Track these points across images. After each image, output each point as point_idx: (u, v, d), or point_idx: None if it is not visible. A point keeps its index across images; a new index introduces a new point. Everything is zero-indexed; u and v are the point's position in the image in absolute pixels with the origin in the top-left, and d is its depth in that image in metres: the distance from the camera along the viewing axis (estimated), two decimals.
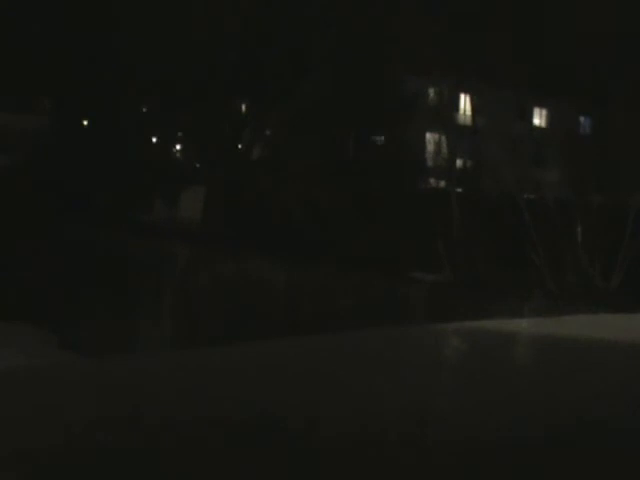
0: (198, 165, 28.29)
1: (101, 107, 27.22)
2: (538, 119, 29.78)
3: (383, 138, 26.65)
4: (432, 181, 26.22)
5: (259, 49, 25.40)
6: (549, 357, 3.22)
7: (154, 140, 28.75)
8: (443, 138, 24.48)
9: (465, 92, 27.39)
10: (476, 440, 2.13)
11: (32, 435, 2.02)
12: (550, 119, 28.73)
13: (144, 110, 28.53)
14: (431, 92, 25.99)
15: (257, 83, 25.53)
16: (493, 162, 22.35)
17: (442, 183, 24.74)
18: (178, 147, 29.85)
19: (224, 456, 1.94)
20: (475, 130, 25.23)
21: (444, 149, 24.30)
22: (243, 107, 27.93)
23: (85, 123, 29.06)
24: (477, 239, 16.29)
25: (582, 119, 25.10)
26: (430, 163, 26.24)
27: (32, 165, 26.72)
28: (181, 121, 27.81)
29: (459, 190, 20.80)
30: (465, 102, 27.93)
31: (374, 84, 24.86)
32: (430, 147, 26.34)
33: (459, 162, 24.76)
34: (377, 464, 1.94)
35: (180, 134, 29.40)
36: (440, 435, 2.17)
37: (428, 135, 26.83)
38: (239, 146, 27.40)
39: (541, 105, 29.04)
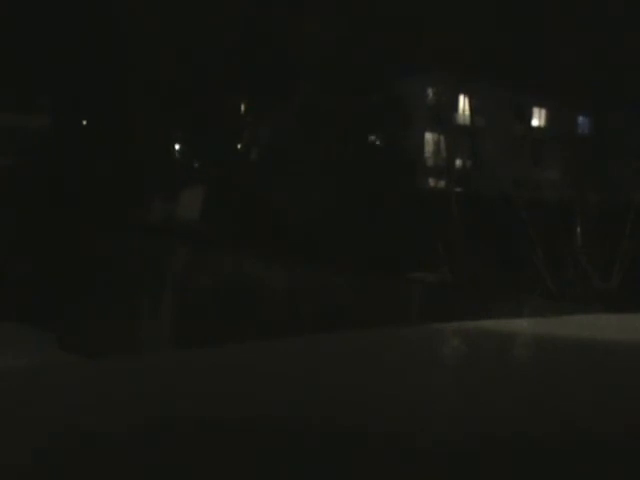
0: (197, 165, 28.32)
1: (101, 107, 27.22)
2: (537, 119, 29.79)
3: (383, 138, 26.66)
4: (431, 181, 26.25)
5: (259, 49, 25.42)
6: (549, 357, 3.22)
7: (153, 140, 28.74)
8: (442, 138, 24.48)
9: (464, 92, 27.40)
10: (476, 440, 2.13)
11: (32, 435, 2.02)
12: (550, 119, 28.73)
13: (144, 110, 28.52)
14: (430, 92, 26.01)
15: (257, 83, 25.54)
16: (492, 162, 22.36)
17: (441, 183, 24.76)
18: (177, 147, 29.86)
19: (224, 456, 1.94)
20: (474, 130, 25.24)
21: (443, 149, 24.31)
22: (242, 107, 27.95)
23: (84, 123, 29.07)
24: (477, 239, 16.28)
25: (582, 119, 25.12)
26: (429, 163, 26.27)
27: (31, 165, 26.72)
28: (181, 121, 27.82)
29: (458, 190, 20.80)
30: (464, 102, 27.93)
31: (373, 84, 24.87)
32: (429, 147, 26.38)
33: (458, 162, 24.78)
34: (376, 464, 1.94)
35: (180, 134, 29.41)
36: (440, 435, 2.17)
37: (427, 135, 26.86)
38: (239, 146, 27.43)
39: (541, 105, 29.05)
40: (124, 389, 2.42)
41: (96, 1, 27.26)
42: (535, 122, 29.55)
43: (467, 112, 27.38)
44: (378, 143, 26.75)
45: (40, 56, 27.51)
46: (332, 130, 24.10)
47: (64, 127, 28.12)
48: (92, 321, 22.03)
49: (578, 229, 15.75)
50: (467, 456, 2.02)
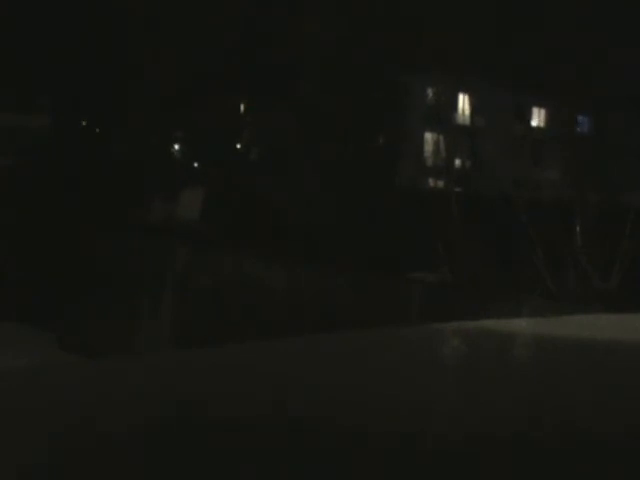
0: (197, 165, 28.33)
1: (101, 107, 27.23)
2: (537, 119, 29.78)
3: (383, 138, 26.65)
4: (431, 181, 26.24)
5: (259, 49, 25.42)
6: (549, 357, 3.21)
7: (153, 140, 28.74)
8: (442, 138, 24.48)
9: (464, 92, 27.41)
10: (476, 440, 2.13)
11: (32, 435, 2.02)
12: (550, 119, 28.72)
13: (144, 110, 28.54)
14: (430, 92, 26.01)
15: (257, 83, 25.55)
16: (492, 162, 22.37)
17: (441, 183, 24.76)
18: (177, 147, 29.86)
19: (224, 456, 1.94)
20: (474, 130, 25.25)
21: (443, 149, 24.31)
22: (242, 107, 27.96)
23: (84, 123, 29.07)
24: (477, 239, 16.28)
25: (582, 119, 25.10)
26: (429, 163, 26.27)
27: (31, 165, 26.72)
28: (181, 121, 27.82)
29: (458, 190, 20.81)
30: (464, 102, 27.93)
31: (373, 84, 24.87)
32: (429, 147, 26.37)
33: (458, 162, 24.77)
34: (376, 464, 1.94)
35: (180, 134, 29.41)
36: (440, 435, 2.17)
37: (427, 135, 26.85)
38: (239, 146, 27.44)
39: (541, 105, 29.04)
40: (124, 389, 2.42)
41: (96, 1, 27.27)
42: (535, 122, 29.53)
43: (467, 112, 27.39)
44: (378, 143, 26.75)
45: (40, 56, 27.51)
46: (332, 130, 24.10)
47: (64, 127, 28.12)
48: (92, 321, 22.03)
49: (578, 229, 15.75)
50: (467, 456, 2.02)
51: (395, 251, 17.80)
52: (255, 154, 27.42)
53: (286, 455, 1.96)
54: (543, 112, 29.41)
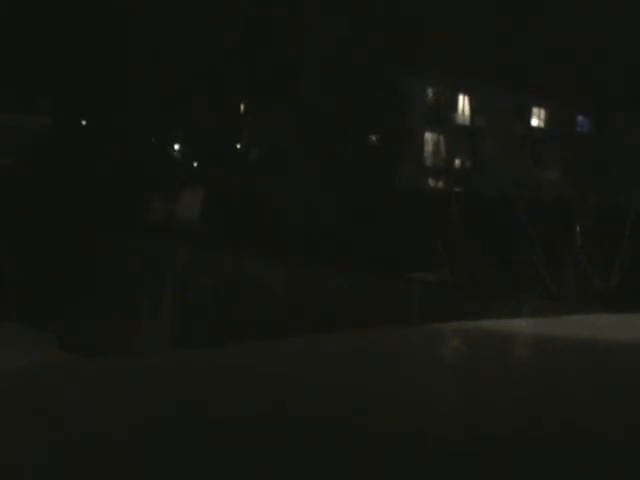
0: (197, 165, 28.33)
1: (101, 107, 27.23)
2: (537, 119, 29.78)
3: (383, 138, 26.65)
4: (431, 181, 26.26)
5: (259, 49, 25.43)
6: (549, 357, 3.21)
7: (153, 140, 28.75)
8: (442, 138, 24.49)
9: (464, 92, 27.42)
10: (476, 440, 2.13)
11: (32, 435, 2.02)
12: (550, 119, 28.72)
13: (144, 110, 28.54)
14: (430, 92, 26.03)
15: (257, 83, 25.55)
16: (492, 162, 22.38)
17: (441, 183, 24.78)
18: (177, 147, 29.85)
19: (224, 456, 1.94)
20: (474, 130, 25.26)
21: (443, 149, 24.32)
22: (242, 107, 27.96)
23: (84, 123, 29.07)
24: (477, 239, 16.27)
25: (582, 119, 25.11)
26: (429, 163, 26.29)
27: (31, 165, 26.72)
28: (181, 121, 27.82)
29: (458, 190, 20.81)
30: (464, 102, 27.94)
31: (373, 83, 24.87)
32: (429, 147, 26.39)
33: (458, 162, 24.79)
34: (376, 464, 1.94)
35: (180, 134, 29.41)
36: (440, 435, 2.17)
37: (427, 135, 26.87)
38: (239, 146, 27.45)
39: (541, 105, 29.04)
40: (124, 389, 2.42)
41: (96, 1, 27.27)
42: (535, 122, 29.54)
43: (467, 112, 27.41)
44: (378, 143, 26.75)
45: (40, 56, 27.51)
46: (332, 130, 24.10)
47: (64, 127, 28.12)
48: (92, 321, 22.02)
49: (578, 229, 15.74)
50: (467, 456, 2.02)
51: (395, 251, 17.80)
52: (255, 154, 27.43)
53: (286, 455, 1.96)
54: (543, 112, 29.41)
